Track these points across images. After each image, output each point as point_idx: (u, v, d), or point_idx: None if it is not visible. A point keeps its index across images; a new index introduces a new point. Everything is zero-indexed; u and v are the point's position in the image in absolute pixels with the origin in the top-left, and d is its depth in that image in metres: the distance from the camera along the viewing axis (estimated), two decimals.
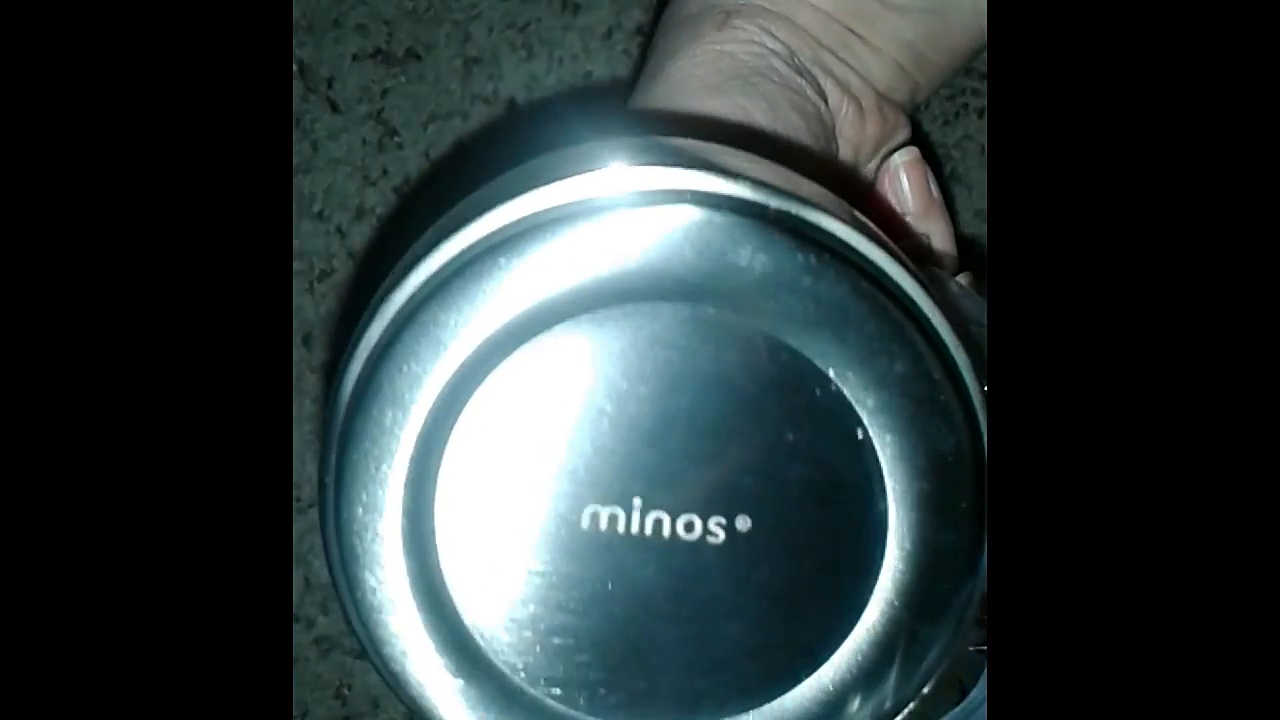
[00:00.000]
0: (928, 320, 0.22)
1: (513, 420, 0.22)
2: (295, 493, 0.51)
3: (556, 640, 0.23)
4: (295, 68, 0.49)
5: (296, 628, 0.54)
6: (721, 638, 0.22)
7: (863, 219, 0.24)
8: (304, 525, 0.51)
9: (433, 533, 0.22)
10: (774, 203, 0.22)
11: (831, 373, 0.22)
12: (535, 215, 0.21)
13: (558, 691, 0.23)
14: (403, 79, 0.49)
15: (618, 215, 0.21)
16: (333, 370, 0.23)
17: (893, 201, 0.35)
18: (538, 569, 0.22)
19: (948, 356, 0.22)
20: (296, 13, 0.49)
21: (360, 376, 0.22)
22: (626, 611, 0.23)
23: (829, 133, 0.34)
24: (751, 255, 0.21)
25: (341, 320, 0.48)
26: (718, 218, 0.21)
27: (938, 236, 0.35)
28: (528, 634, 0.23)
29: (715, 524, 0.22)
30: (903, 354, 0.22)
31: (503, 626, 0.23)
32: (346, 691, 0.55)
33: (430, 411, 0.22)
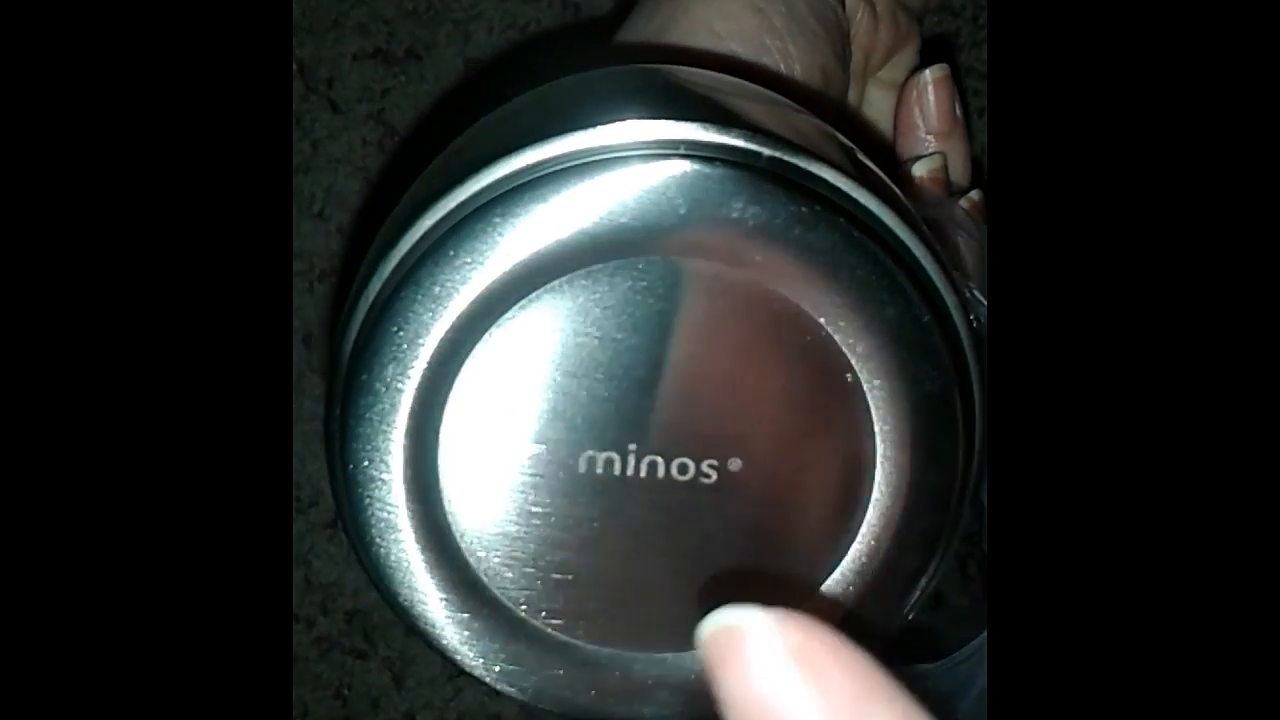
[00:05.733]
0: (919, 265, 0.23)
1: (511, 373, 0.23)
2: (295, 493, 0.51)
3: (556, 575, 0.24)
4: (295, 68, 0.49)
5: (296, 628, 0.54)
6: (714, 571, 0.23)
7: (860, 158, 0.24)
8: (304, 525, 0.51)
9: (436, 479, 0.23)
10: (766, 150, 0.22)
11: (822, 320, 0.22)
12: (528, 170, 0.22)
13: (558, 622, 0.24)
14: (403, 79, 0.49)
15: (610, 171, 0.22)
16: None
17: (916, 116, 0.35)
18: (537, 510, 0.23)
19: (938, 300, 0.23)
20: (296, 13, 0.49)
21: (360, 333, 0.23)
22: (623, 548, 0.23)
23: (845, 37, 0.34)
24: (744, 207, 0.22)
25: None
26: (710, 170, 0.22)
27: (956, 157, 0.35)
28: (529, 570, 0.24)
29: (708, 465, 0.23)
30: (893, 300, 0.22)
31: (504, 564, 0.24)
32: (346, 691, 0.55)
33: (428, 367, 0.22)
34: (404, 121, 0.49)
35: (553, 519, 0.23)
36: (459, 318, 0.22)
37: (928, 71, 0.35)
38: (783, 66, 0.31)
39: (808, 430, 0.23)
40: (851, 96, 0.36)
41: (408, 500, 0.23)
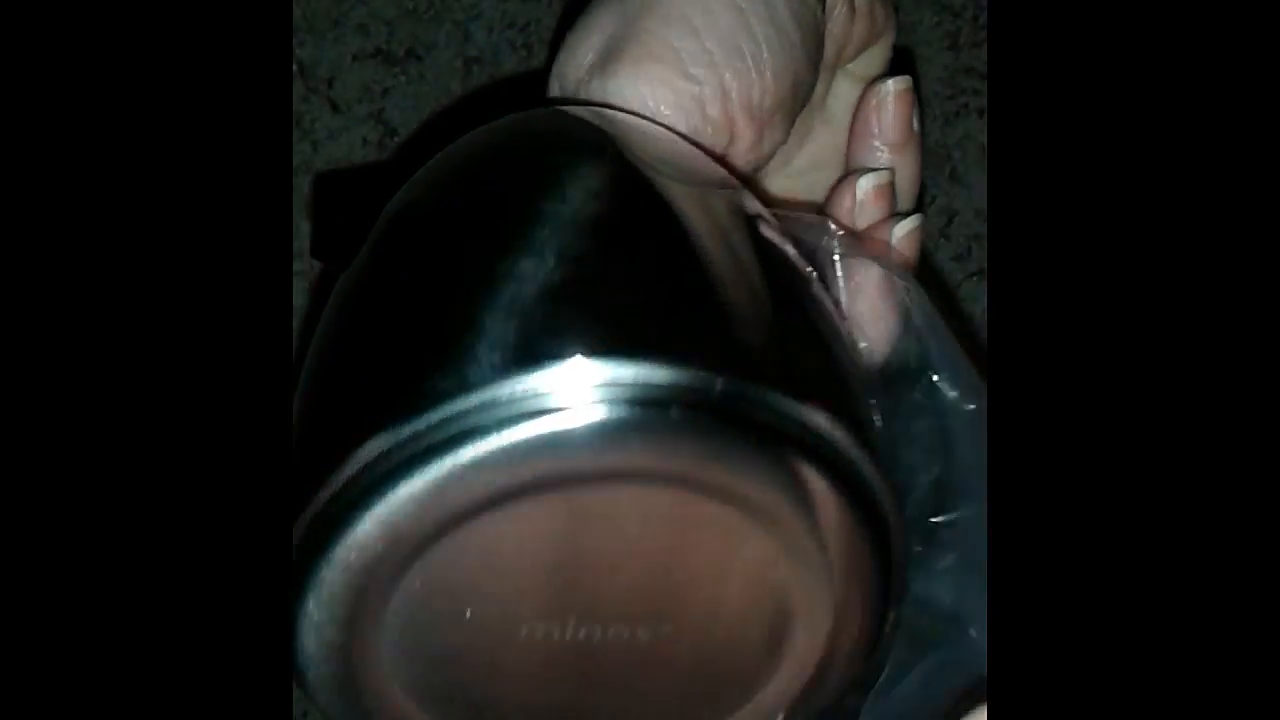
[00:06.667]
0: (863, 480, 0.24)
1: (453, 576, 0.24)
2: None
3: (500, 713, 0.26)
4: (295, 68, 0.49)
5: None
6: (656, 694, 0.25)
7: (763, 233, 0.26)
8: None
9: (380, 664, 0.25)
10: (717, 387, 0.23)
11: (761, 529, 0.24)
12: (478, 410, 0.23)
13: None
14: (403, 79, 0.49)
15: (558, 415, 0.22)
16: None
17: (873, 123, 0.35)
18: (479, 671, 0.25)
19: (877, 513, 0.25)
20: (296, 13, 0.49)
21: (307, 539, 0.24)
22: (564, 700, 0.26)
23: (820, 36, 0.34)
24: (692, 445, 0.23)
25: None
26: (659, 414, 0.23)
27: (906, 173, 0.35)
28: (472, 712, 0.26)
29: (642, 631, 0.25)
30: (828, 509, 0.24)
31: (451, 705, 0.25)
32: None
33: (369, 575, 0.23)
34: (404, 121, 0.49)
35: (494, 678, 0.25)
36: (404, 541, 0.23)
37: (890, 82, 0.35)
38: (754, 71, 0.32)
39: (735, 606, 0.25)
40: (819, 89, 0.36)
41: (352, 686, 0.24)
